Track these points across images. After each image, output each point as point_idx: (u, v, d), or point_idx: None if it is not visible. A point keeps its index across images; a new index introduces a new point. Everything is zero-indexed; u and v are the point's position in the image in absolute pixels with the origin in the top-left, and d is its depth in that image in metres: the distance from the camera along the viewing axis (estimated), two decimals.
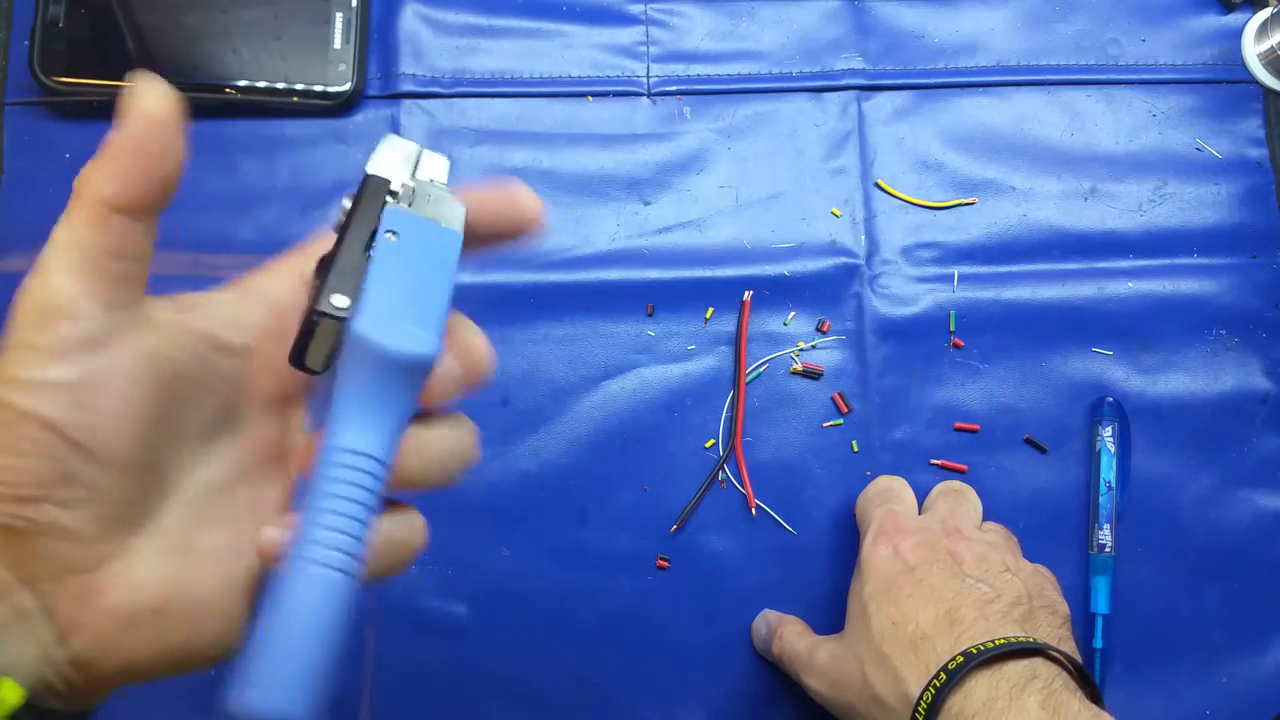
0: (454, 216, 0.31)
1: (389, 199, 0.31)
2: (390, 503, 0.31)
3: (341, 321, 0.28)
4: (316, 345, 0.28)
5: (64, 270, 0.27)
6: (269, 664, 0.26)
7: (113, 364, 0.28)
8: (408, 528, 0.31)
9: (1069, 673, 0.43)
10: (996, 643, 0.42)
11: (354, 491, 0.27)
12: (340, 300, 0.28)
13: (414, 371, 0.28)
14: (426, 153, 0.33)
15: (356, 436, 0.27)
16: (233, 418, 0.32)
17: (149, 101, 0.28)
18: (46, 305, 0.27)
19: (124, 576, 0.29)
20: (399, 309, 0.28)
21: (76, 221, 0.28)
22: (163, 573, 0.30)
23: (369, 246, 0.30)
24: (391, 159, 0.32)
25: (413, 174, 0.32)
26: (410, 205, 0.31)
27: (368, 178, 0.31)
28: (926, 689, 0.42)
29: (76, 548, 0.28)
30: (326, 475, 0.27)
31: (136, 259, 0.29)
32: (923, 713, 0.41)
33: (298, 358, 0.29)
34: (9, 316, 0.27)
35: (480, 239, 0.33)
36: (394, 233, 0.30)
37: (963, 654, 0.42)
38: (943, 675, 0.41)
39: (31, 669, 0.29)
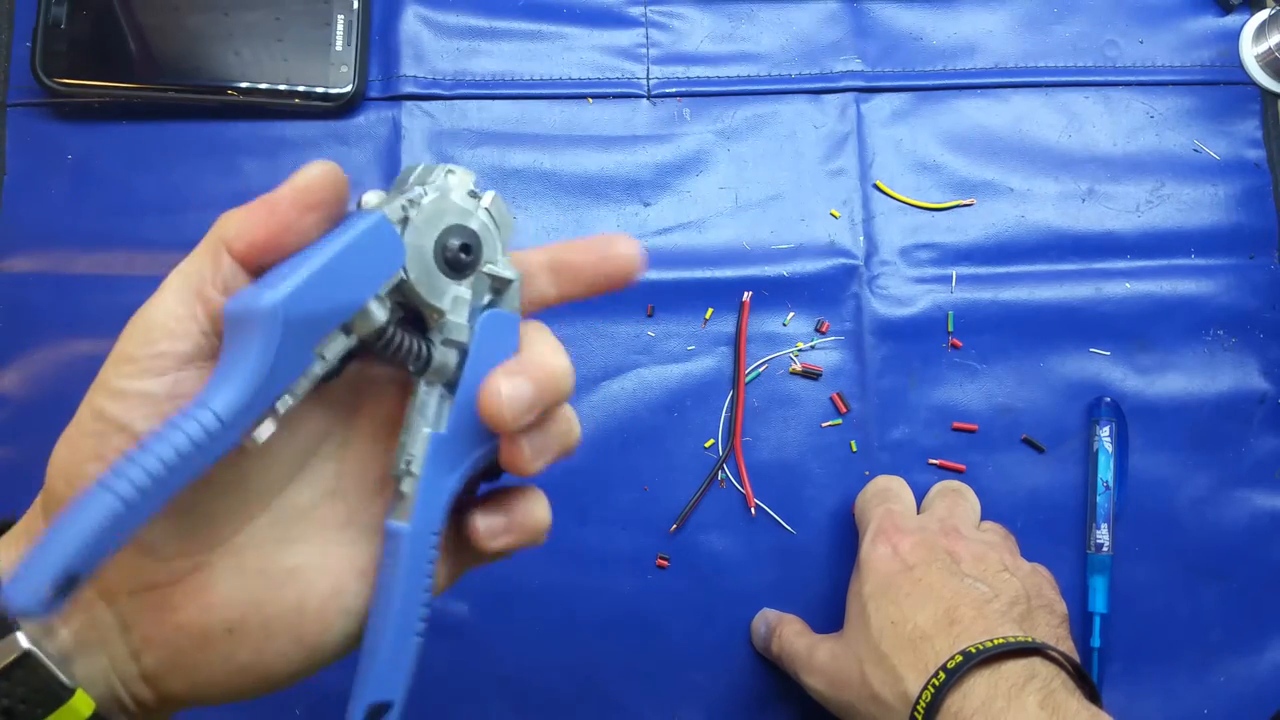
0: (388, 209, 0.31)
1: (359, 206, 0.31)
2: (519, 487, 0.33)
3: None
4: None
5: (174, 292, 0.29)
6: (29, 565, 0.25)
7: (202, 383, 0.29)
8: (537, 505, 0.34)
9: (1067, 672, 0.43)
10: (995, 642, 0.42)
11: (170, 431, 0.26)
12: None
13: (249, 324, 0.28)
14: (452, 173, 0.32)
15: (206, 392, 0.28)
16: (333, 443, 0.33)
17: (308, 175, 0.29)
18: (152, 322, 0.29)
19: (199, 593, 0.30)
20: (272, 280, 0.29)
21: (199, 252, 0.29)
22: (238, 592, 0.30)
23: None
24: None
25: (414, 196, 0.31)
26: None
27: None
28: (925, 688, 0.42)
29: (154, 562, 0.29)
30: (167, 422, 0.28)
31: None
32: (921, 711, 0.41)
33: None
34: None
35: (578, 286, 0.34)
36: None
37: (961, 653, 0.42)
38: (942, 674, 0.41)
39: (103, 682, 0.29)
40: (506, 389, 0.29)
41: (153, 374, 0.28)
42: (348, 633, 0.32)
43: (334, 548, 0.32)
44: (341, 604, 0.31)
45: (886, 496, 0.52)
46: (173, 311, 0.29)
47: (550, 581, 0.54)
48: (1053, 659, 0.43)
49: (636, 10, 0.60)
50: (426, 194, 0.31)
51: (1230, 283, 0.58)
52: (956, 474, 0.56)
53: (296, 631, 0.31)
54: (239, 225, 0.29)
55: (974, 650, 0.42)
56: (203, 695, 0.30)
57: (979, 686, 0.41)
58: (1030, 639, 0.43)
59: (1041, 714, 0.39)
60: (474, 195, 0.32)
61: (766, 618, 0.54)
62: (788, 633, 0.51)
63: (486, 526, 0.32)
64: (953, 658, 0.42)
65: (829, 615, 0.54)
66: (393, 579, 0.30)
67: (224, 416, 0.27)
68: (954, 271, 0.58)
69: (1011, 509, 0.55)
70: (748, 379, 0.56)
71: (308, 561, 0.31)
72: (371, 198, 0.31)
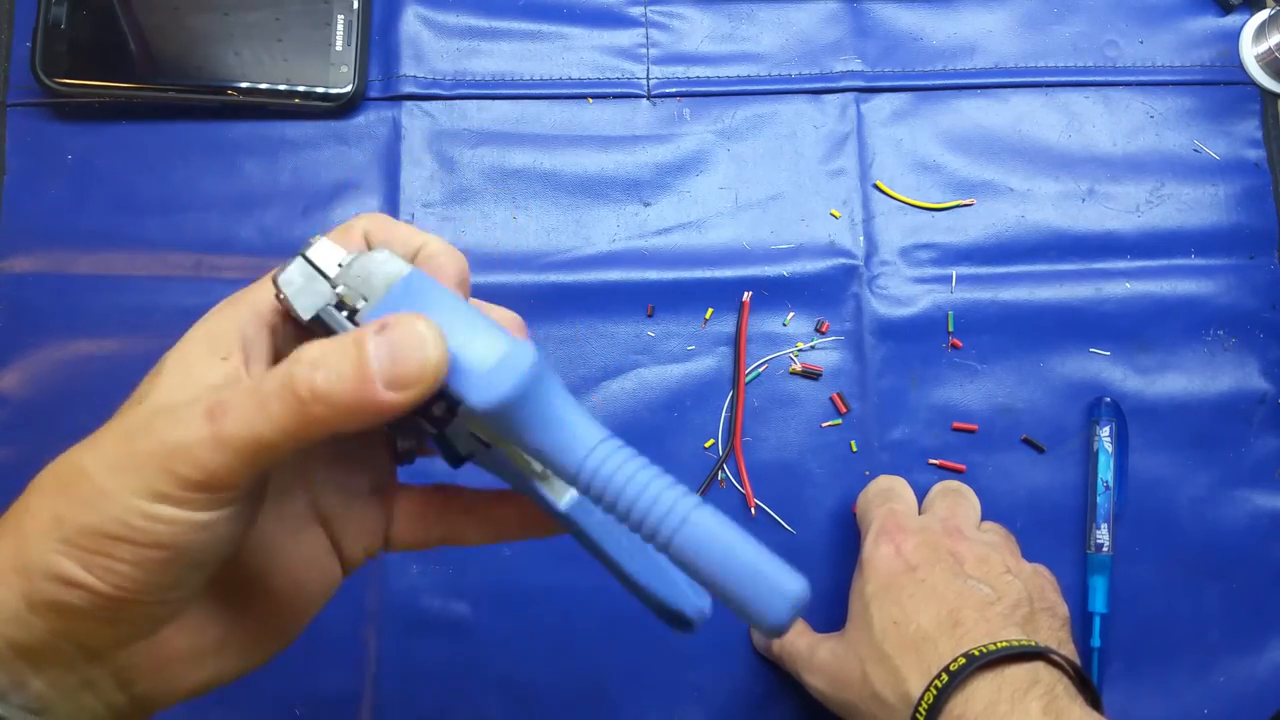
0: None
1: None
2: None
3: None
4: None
5: (248, 459, 0.26)
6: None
7: (246, 505, 0.28)
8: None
9: (1070, 678, 0.43)
10: (999, 645, 0.42)
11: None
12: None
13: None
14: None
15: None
16: (301, 475, 0.33)
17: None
18: (213, 480, 0.26)
19: (187, 624, 0.30)
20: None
21: (286, 427, 0.26)
22: (225, 612, 0.31)
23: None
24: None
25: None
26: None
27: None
28: (928, 689, 0.42)
29: (149, 623, 0.29)
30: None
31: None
32: (923, 713, 0.41)
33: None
34: (154, 443, 0.27)
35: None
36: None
37: (965, 655, 0.42)
38: (944, 676, 0.41)
39: (85, 711, 0.29)
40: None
41: (206, 509, 0.27)
42: (316, 610, 0.34)
43: (294, 544, 0.33)
44: (309, 592, 0.33)
45: (889, 496, 0.52)
46: (229, 467, 0.27)
47: (550, 582, 0.54)
48: (1056, 664, 0.43)
49: (636, 10, 0.60)
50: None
51: (1230, 283, 0.58)
52: (957, 474, 0.56)
53: (278, 626, 0.32)
54: (337, 416, 0.26)
55: (977, 653, 0.42)
56: (191, 697, 0.31)
57: (982, 690, 0.41)
58: (1034, 643, 0.43)
59: None
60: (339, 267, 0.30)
61: None
62: (789, 633, 0.51)
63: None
64: (956, 659, 0.42)
65: (829, 615, 0.54)
66: (605, 537, 0.31)
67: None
68: (954, 271, 0.58)
69: (1011, 509, 0.55)
70: (748, 379, 0.56)
71: (292, 577, 0.32)
72: (323, 250, 0.30)
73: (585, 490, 0.28)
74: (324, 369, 0.26)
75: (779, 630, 0.27)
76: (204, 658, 0.30)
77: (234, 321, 0.30)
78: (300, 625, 0.33)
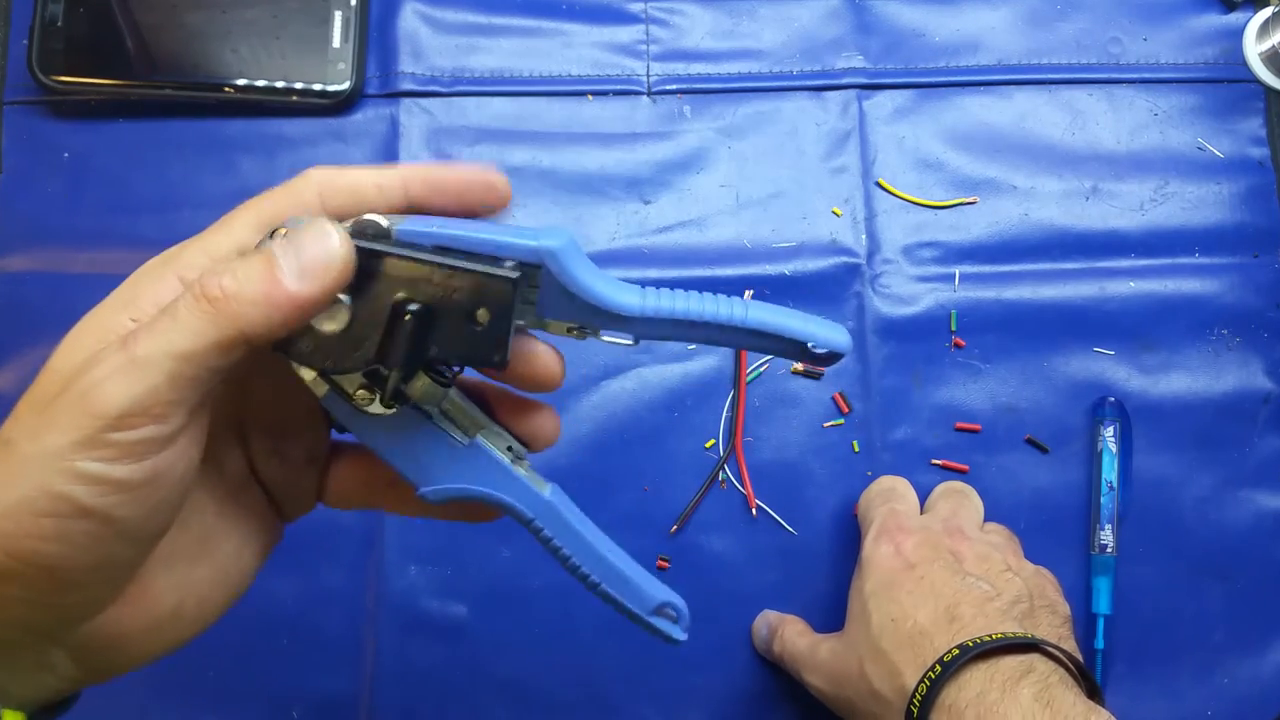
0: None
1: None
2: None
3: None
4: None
5: (167, 376, 0.25)
6: None
7: (178, 459, 0.27)
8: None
9: (1067, 669, 0.43)
10: (993, 636, 0.42)
11: None
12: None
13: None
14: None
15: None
16: (239, 443, 0.33)
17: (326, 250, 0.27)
18: (135, 406, 0.25)
19: (140, 597, 0.29)
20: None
21: (201, 332, 0.25)
22: (175, 580, 0.30)
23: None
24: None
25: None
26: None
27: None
28: (921, 681, 0.42)
29: (98, 604, 0.28)
30: None
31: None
32: (917, 704, 0.41)
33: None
34: (71, 393, 0.25)
35: (435, 195, 0.32)
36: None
37: (959, 646, 0.42)
38: (938, 667, 0.41)
39: (44, 689, 0.29)
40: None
41: (135, 460, 0.25)
42: (262, 563, 0.34)
43: (235, 506, 0.33)
44: (255, 548, 0.33)
45: (890, 496, 0.52)
46: (163, 396, 0.25)
47: (550, 582, 0.54)
48: (1052, 655, 0.43)
49: (637, 7, 0.60)
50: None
51: (1234, 281, 0.58)
52: (959, 474, 0.55)
53: (227, 584, 0.32)
54: (266, 313, 0.26)
55: (970, 644, 0.41)
56: (146, 663, 0.31)
57: (975, 679, 0.41)
58: (1028, 635, 0.43)
59: (1035, 707, 0.39)
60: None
61: (767, 619, 0.53)
62: (789, 633, 0.51)
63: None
64: (949, 651, 0.42)
65: (830, 616, 0.54)
66: (572, 527, 0.33)
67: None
68: (957, 270, 0.58)
69: (1015, 509, 0.55)
70: (749, 379, 0.56)
71: (219, 524, 0.32)
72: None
73: (653, 315, 0.31)
74: (230, 274, 0.26)
75: (847, 347, 0.32)
76: (160, 628, 0.30)
77: (156, 286, 0.28)
78: (249, 580, 0.33)
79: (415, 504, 0.32)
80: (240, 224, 0.30)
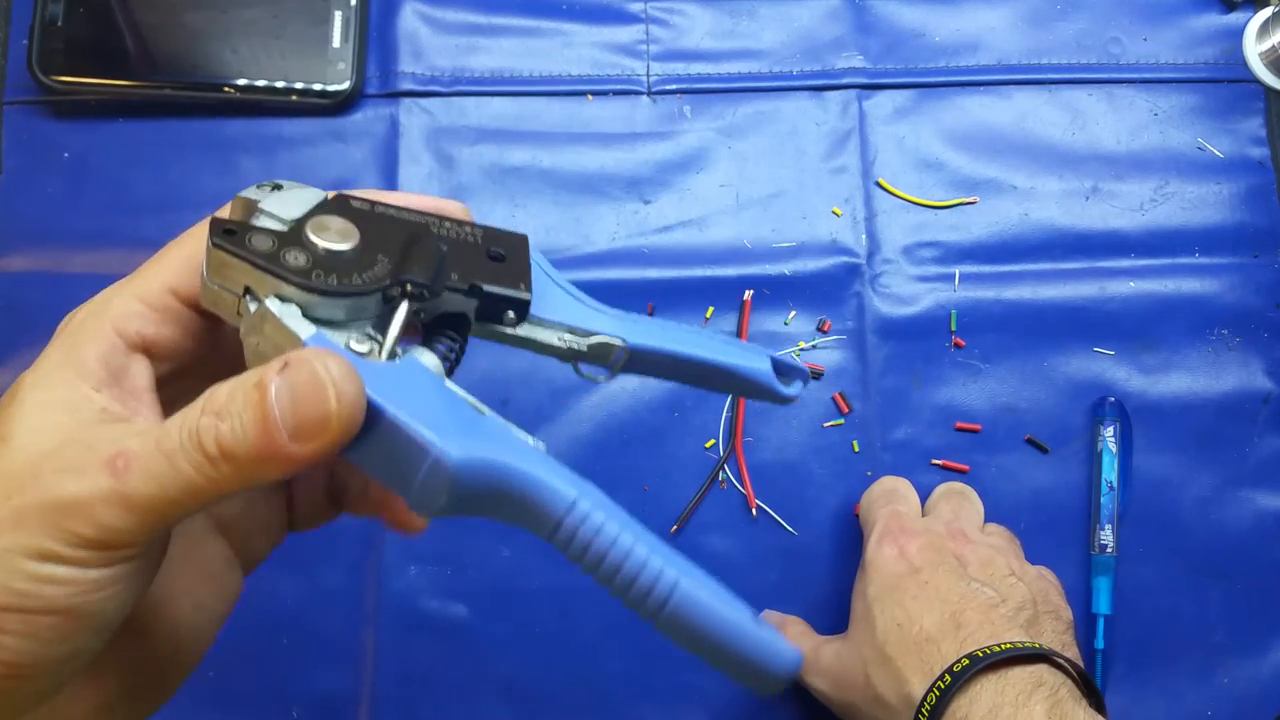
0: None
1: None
2: None
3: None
4: None
5: (157, 517, 0.24)
6: None
7: (155, 558, 0.26)
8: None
9: (1074, 680, 0.43)
10: (1003, 647, 0.42)
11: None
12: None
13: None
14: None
15: None
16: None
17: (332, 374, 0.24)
18: (118, 538, 0.24)
19: (83, 685, 0.27)
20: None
21: (197, 488, 0.24)
22: (122, 661, 0.28)
23: None
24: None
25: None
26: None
27: None
28: (930, 690, 0.41)
29: (39, 697, 0.26)
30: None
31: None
32: (926, 714, 0.41)
33: None
34: (45, 499, 0.24)
35: None
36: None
37: (968, 656, 0.41)
38: (947, 677, 0.41)
39: None
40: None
41: (108, 566, 0.24)
42: (219, 626, 0.31)
43: (191, 565, 0.30)
44: (212, 612, 0.31)
45: (892, 498, 0.52)
46: (130, 526, 0.24)
47: (549, 583, 0.54)
48: (1060, 666, 0.42)
49: (636, 6, 0.60)
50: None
51: (1234, 282, 0.58)
52: (960, 475, 0.55)
53: (181, 656, 0.30)
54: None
55: (981, 654, 0.41)
56: None
57: (985, 692, 0.41)
58: (1038, 645, 0.42)
59: None
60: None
61: (768, 619, 0.53)
62: (791, 634, 0.51)
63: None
64: (959, 661, 0.41)
65: (831, 617, 0.53)
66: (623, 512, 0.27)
67: None
68: (957, 270, 0.57)
69: (1015, 510, 0.55)
70: None
71: (173, 590, 0.30)
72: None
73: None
74: (229, 421, 0.24)
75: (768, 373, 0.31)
76: (104, 713, 0.27)
77: (99, 345, 0.27)
78: (204, 648, 0.31)
79: (377, 500, 0.31)
80: (172, 261, 0.28)
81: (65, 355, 0.27)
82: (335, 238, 0.26)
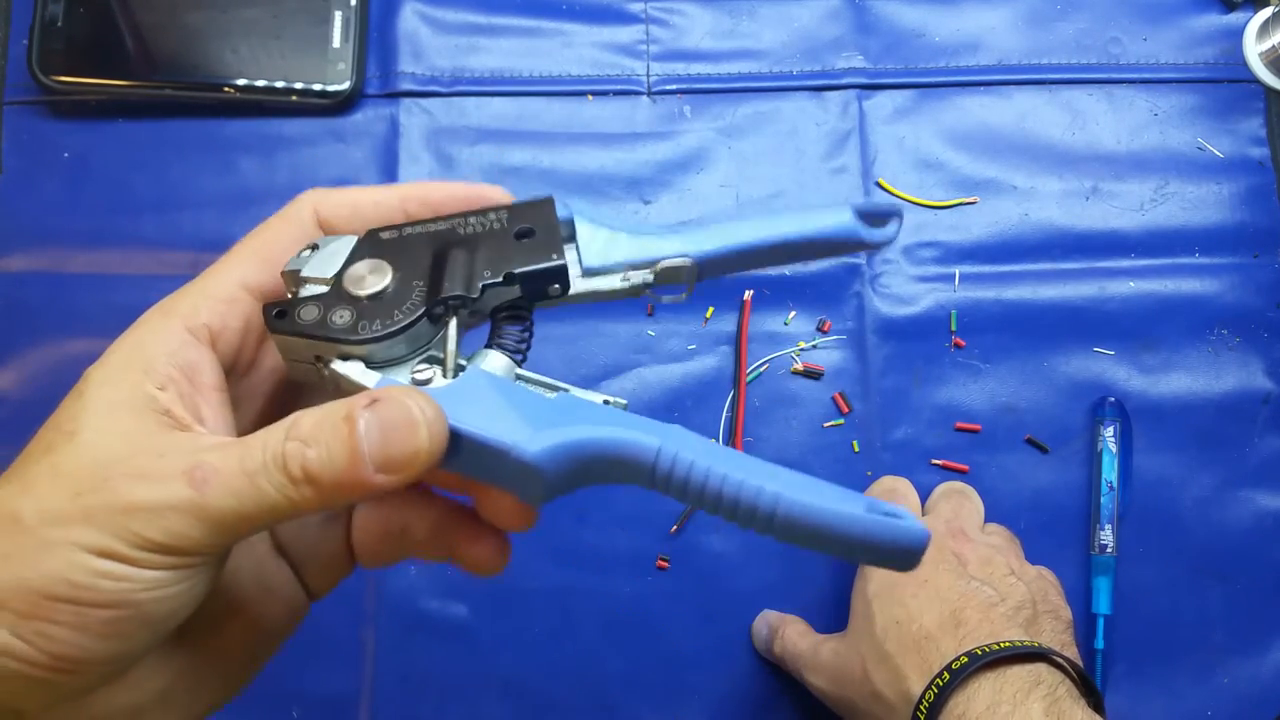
0: None
1: None
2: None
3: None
4: None
5: (230, 531, 0.25)
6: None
7: (209, 571, 0.26)
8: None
9: (1072, 679, 0.43)
10: (1002, 645, 0.42)
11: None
12: None
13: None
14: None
15: None
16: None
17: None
18: (191, 545, 0.25)
19: (126, 678, 0.27)
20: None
21: (275, 506, 0.25)
22: (170, 662, 0.28)
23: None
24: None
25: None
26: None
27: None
28: (929, 688, 0.41)
29: (88, 688, 0.26)
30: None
31: None
32: (924, 711, 0.41)
33: None
34: (116, 500, 0.25)
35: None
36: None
37: (967, 654, 0.41)
38: (946, 675, 0.41)
39: None
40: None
41: (167, 569, 0.25)
42: (278, 645, 0.32)
43: (253, 580, 0.31)
44: (269, 627, 0.31)
45: (892, 497, 0.52)
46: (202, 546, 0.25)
47: (550, 583, 0.54)
48: (1058, 665, 0.43)
49: (637, 7, 0.60)
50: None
51: (1234, 281, 0.58)
52: (960, 474, 0.55)
53: (230, 671, 0.30)
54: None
55: (980, 652, 0.41)
56: None
57: (984, 690, 0.41)
58: (1037, 644, 0.42)
59: None
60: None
61: (768, 619, 0.53)
62: (790, 633, 0.51)
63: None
64: (958, 659, 0.42)
65: (830, 616, 0.53)
66: (714, 447, 0.27)
67: None
68: (957, 270, 0.57)
69: (1015, 510, 0.55)
70: (749, 378, 0.56)
71: (230, 601, 0.30)
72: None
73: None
74: (317, 448, 0.25)
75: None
76: (142, 715, 0.27)
77: (166, 341, 0.27)
78: (258, 666, 0.31)
79: (445, 542, 0.31)
80: (238, 260, 0.29)
81: (132, 352, 0.27)
82: (372, 281, 0.28)
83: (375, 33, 0.59)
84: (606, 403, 0.28)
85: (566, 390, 0.29)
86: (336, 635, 0.53)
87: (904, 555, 0.25)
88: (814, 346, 0.57)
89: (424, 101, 0.58)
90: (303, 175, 0.57)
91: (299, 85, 0.57)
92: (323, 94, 0.57)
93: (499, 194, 0.31)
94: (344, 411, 0.25)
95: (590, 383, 0.56)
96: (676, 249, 0.30)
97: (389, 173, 0.58)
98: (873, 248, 0.33)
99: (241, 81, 0.56)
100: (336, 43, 0.57)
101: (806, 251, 0.32)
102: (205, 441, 0.26)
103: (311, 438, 0.25)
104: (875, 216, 0.32)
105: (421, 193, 0.30)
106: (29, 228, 0.56)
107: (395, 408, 0.25)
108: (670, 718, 0.53)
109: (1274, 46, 0.59)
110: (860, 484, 0.55)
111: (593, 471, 0.27)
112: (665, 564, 0.54)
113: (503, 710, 0.53)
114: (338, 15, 0.58)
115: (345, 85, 0.57)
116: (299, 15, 0.57)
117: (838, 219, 0.32)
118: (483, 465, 0.27)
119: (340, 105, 0.58)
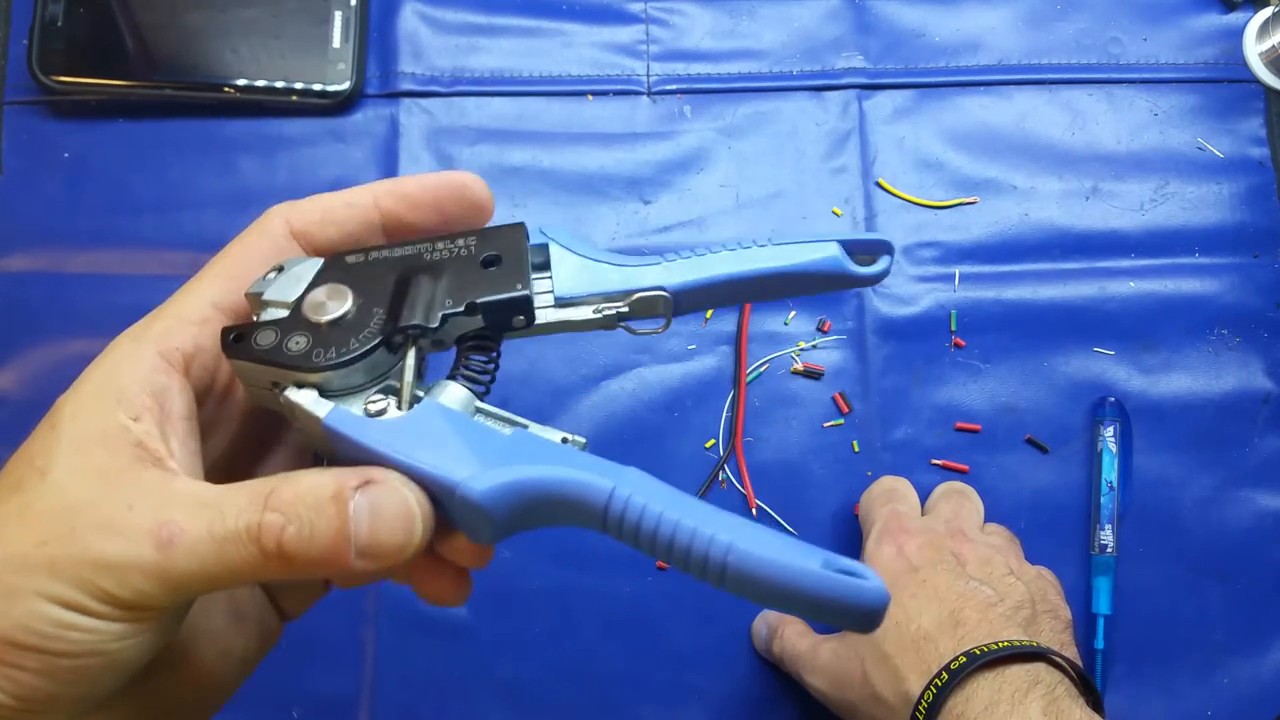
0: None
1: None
2: None
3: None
4: None
5: (195, 591, 0.25)
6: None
7: (176, 616, 0.26)
8: None
9: (1071, 679, 0.43)
10: (1000, 645, 0.42)
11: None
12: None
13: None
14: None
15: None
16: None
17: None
18: (154, 600, 0.24)
19: (98, 716, 0.27)
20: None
21: (244, 573, 0.24)
22: (133, 700, 0.27)
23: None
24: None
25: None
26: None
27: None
28: (928, 688, 0.41)
29: None
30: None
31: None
32: (923, 712, 0.41)
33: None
34: (84, 552, 0.24)
35: (414, 211, 0.30)
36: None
37: (965, 654, 0.41)
38: (944, 675, 0.41)
39: None
40: None
41: (131, 622, 0.24)
42: (248, 674, 0.31)
43: (222, 610, 0.30)
44: (238, 656, 0.30)
45: (892, 497, 0.52)
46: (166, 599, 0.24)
47: (549, 583, 0.54)
48: (1057, 665, 0.42)
49: (637, 7, 0.60)
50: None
51: (1234, 281, 0.58)
52: (960, 474, 0.55)
53: (198, 700, 0.30)
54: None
55: (978, 652, 0.41)
56: None
57: (982, 689, 0.41)
58: (1035, 644, 0.42)
59: None
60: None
61: (767, 619, 0.53)
62: (790, 634, 0.51)
63: None
64: (956, 659, 0.42)
65: None
66: (673, 492, 0.26)
67: None
68: (957, 270, 0.57)
69: (1015, 509, 0.55)
70: (749, 378, 0.56)
71: (198, 633, 0.29)
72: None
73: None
74: (297, 524, 0.24)
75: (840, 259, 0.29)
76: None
77: (139, 367, 0.27)
78: (226, 695, 0.30)
79: (404, 575, 0.30)
80: (209, 280, 0.29)
81: (105, 380, 0.26)
82: (331, 308, 0.27)
83: (375, 33, 0.59)
84: (565, 440, 0.27)
85: (524, 426, 0.28)
86: (336, 635, 0.53)
87: (862, 617, 0.24)
88: (814, 346, 0.57)
89: (424, 101, 0.58)
90: (303, 175, 0.57)
91: (299, 85, 0.57)
92: (323, 94, 0.57)
93: (475, 182, 0.30)
94: (332, 490, 0.24)
95: (590, 382, 0.56)
96: (653, 281, 0.29)
97: (389, 173, 0.58)
98: (861, 285, 0.31)
99: (241, 81, 0.56)
100: (336, 43, 0.57)
101: (790, 288, 0.31)
102: (179, 489, 0.25)
103: (292, 513, 0.24)
104: (864, 251, 0.31)
105: (396, 188, 0.30)
106: (29, 228, 0.56)
107: (391, 497, 0.24)
108: (670, 718, 0.53)
109: (1274, 46, 0.59)
110: (861, 483, 0.55)
111: (541, 513, 0.26)
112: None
113: (503, 710, 0.53)
114: (338, 15, 0.58)
115: (345, 85, 0.57)
116: (299, 15, 0.57)
117: (823, 254, 0.30)
118: (431, 502, 0.26)
119: (340, 105, 0.58)
